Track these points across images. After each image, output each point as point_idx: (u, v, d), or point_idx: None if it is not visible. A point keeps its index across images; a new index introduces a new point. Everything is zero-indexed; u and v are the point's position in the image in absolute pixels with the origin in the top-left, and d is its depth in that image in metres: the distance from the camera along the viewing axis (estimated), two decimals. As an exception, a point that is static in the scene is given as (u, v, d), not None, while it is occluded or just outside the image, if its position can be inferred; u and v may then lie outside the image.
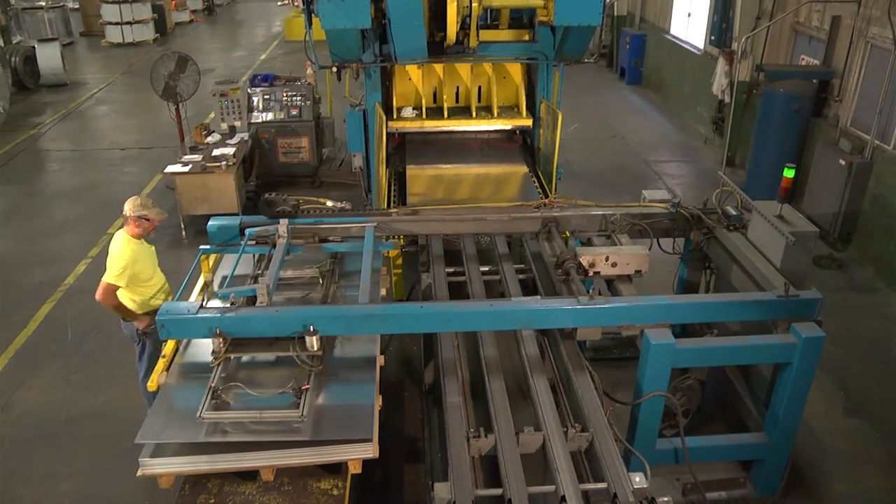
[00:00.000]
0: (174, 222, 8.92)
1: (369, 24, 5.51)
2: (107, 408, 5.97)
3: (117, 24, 20.97)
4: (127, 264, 4.93)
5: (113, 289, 4.99)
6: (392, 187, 6.82)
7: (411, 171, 6.76)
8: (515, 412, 4.04)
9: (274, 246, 4.86)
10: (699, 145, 12.37)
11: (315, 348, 3.98)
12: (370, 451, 3.74)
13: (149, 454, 3.69)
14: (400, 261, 6.07)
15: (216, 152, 9.00)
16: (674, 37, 14.64)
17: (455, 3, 5.57)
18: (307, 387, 3.90)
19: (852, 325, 7.06)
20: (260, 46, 21.33)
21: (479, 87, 7.32)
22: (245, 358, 4.27)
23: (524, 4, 6.28)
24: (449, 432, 3.87)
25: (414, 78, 7.24)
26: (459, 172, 6.85)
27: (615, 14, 17.07)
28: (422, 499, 4.92)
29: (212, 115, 10.75)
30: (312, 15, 5.72)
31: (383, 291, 5.05)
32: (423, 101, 7.23)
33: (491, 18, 7.13)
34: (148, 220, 4.99)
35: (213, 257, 5.24)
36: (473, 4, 5.66)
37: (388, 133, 6.89)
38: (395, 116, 7.07)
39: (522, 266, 5.53)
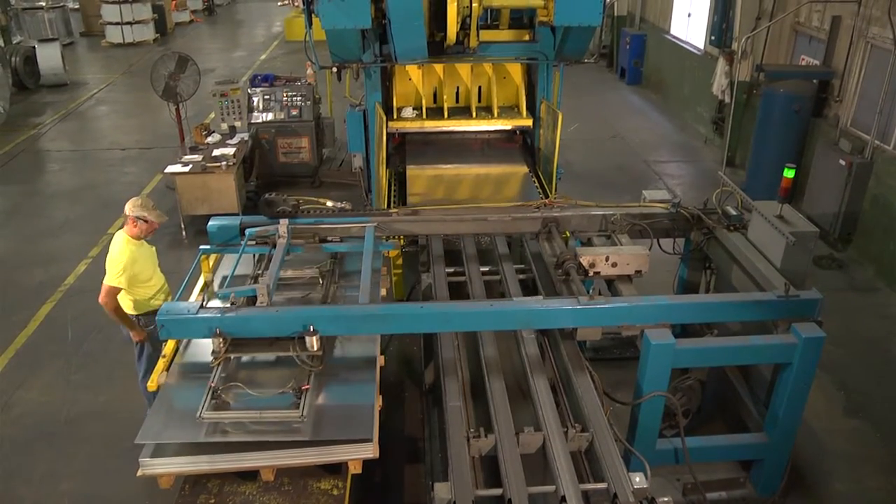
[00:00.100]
0: (174, 222, 8.93)
1: (369, 24, 5.51)
2: (107, 408, 5.98)
3: (117, 24, 20.98)
4: (125, 265, 4.93)
5: (114, 291, 4.99)
6: (392, 187, 6.82)
7: (411, 171, 6.76)
8: (515, 412, 4.04)
9: (274, 246, 4.86)
10: (699, 145, 12.37)
11: (315, 348, 3.98)
12: (370, 451, 3.74)
13: (149, 454, 3.69)
14: (400, 261, 6.07)
15: (216, 152, 9.00)
16: (674, 37, 14.64)
17: (455, 4, 5.57)
18: (307, 387, 3.90)
19: (852, 325, 7.06)
20: (260, 46, 21.33)
21: (480, 88, 7.33)
22: (245, 358, 4.27)
23: (524, 4, 6.28)
24: (449, 432, 3.87)
25: (414, 78, 7.24)
26: (459, 173, 6.85)
27: (615, 14, 17.07)
28: (422, 499, 4.92)
29: (212, 115, 10.76)
30: (312, 15, 5.72)
31: (383, 292, 5.05)
32: (424, 102, 7.24)
33: (491, 18, 7.14)
34: (146, 221, 4.99)
35: (213, 257, 5.24)
36: (473, 4, 5.66)
37: (388, 133, 6.89)
38: (395, 116, 7.07)
39: (522, 266, 5.53)
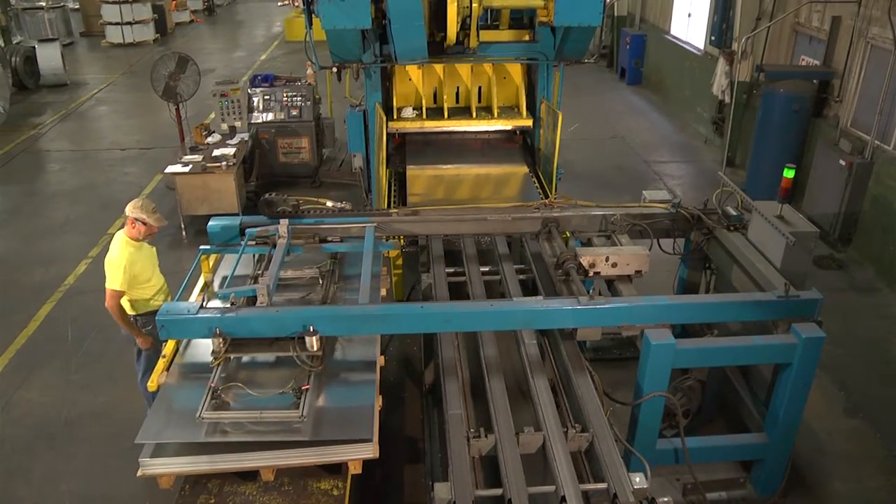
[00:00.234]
0: (174, 222, 8.93)
1: (369, 24, 5.51)
2: (107, 408, 5.98)
3: (117, 24, 20.98)
4: (125, 268, 4.94)
5: (117, 294, 5.00)
6: (392, 187, 6.82)
7: (411, 171, 6.77)
8: (515, 412, 4.04)
9: (274, 246, 4.86)
10: (699, 145, 12.37)
11: (315, 348, 3.98)
12: (370, 451, 3.74)
13: (149, 454, 3.69)
14: (400, 261, 6.07)
15: (216, 153, 9.00)
16: (674, 37, 14.64)
17: (455, 4, 5.57)
18: (307, 387, 3.90)
19: (852, 325, 7.06)
20: (260, 47, 21.33)
21: (480, 88, 7.33)
22: (245, 358, 4.27)
23: (524, 5, 6.28)
24: (449, 432, 3.87)
25: (414, 78, 7.24)
26: (460, 173, 6.85)
27: (615, 14, 17.08)
28: (422, 499, 4.92)
29: (212, 115, 10.77)
30: (313, 15, 5.73)
31: (383, 292, 5.05)
32: (424, 102, 7.24)
33: (491, 19, 7.14)
34: (145, 224, 4.98)
35: (213, 257, 5.24)
36: (474, 5, 5.66)
37: (388, 133, 6.90)
38: (395, 117, 7.08)
39: (522, 266, 5.53)
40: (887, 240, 7.85)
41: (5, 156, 12.11)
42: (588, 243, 5.23)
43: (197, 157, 8.88)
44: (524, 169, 6.87)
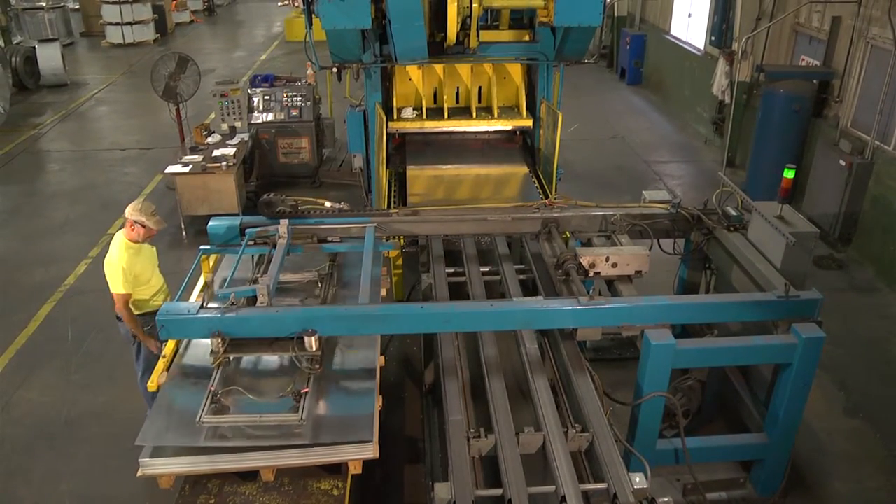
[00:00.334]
0: (174, 222, 8.93)
1: (369, 24, 5.52)
2: (107, 408, 5.98)
3: (118, 24, 20.97)
4: (124, 271, 4.94)
5: (124, 298, 5.01)
6: (392, 188, 6.82)
7: (411, 171, 6.77)
8: (515, 412, 4.04)
9: (274, 246, 4.86)
10: (699, 146, 12.37)
11: (314, 349, 3.98)
12: (370, 451, 3.74)
13: (149, 454, 3.69)
14: (400, 261, 6.07)
15: (216, 153, 9.00)
16: (674, 37, 14.65)
17: (455, 4, 5.57)
18: (306, 390, 3.90)
19: (852, 326, 7.07)
20: (260, 47, 21.33)
21: (480, 88, 7.33)
22: (245, 362, 4.27)
23: (524, 5, 6.28)
24: (449, 432, 3.87)
25: (414, 78, 7.24)
26: (460, 173, 6.85)
27: (615, 14, 17.07)
28: (422, 499, 4.92)
29: (212, 115, 10.77)
30: (313, 15, 5.72)
31: (383, 292, 5.05)
32: (424, 102, 7.24)
33: (491, 19, 7.14)
34: (144, 226, 4.98)
35: (213, 258, 5.25)
36: (474, 5, 5.66)
37: (388, 133, 6.90)
38: (395, 117, 7.08)
39: (523, 266, 5.53)
40: (887, 240, 7.85)
41: (5, 156, 12.11)
42: (588, 243, 5.22)
43: (197, 158, 8.88)
44: (524, 169, 6.87)
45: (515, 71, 7.25)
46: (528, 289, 5.27)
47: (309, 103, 10.17)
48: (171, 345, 4.35)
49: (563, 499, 3.43)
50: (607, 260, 4.77)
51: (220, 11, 28.86)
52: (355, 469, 3.77)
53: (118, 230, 5.20)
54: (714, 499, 4.90)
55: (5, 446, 5.59)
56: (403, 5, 5.36)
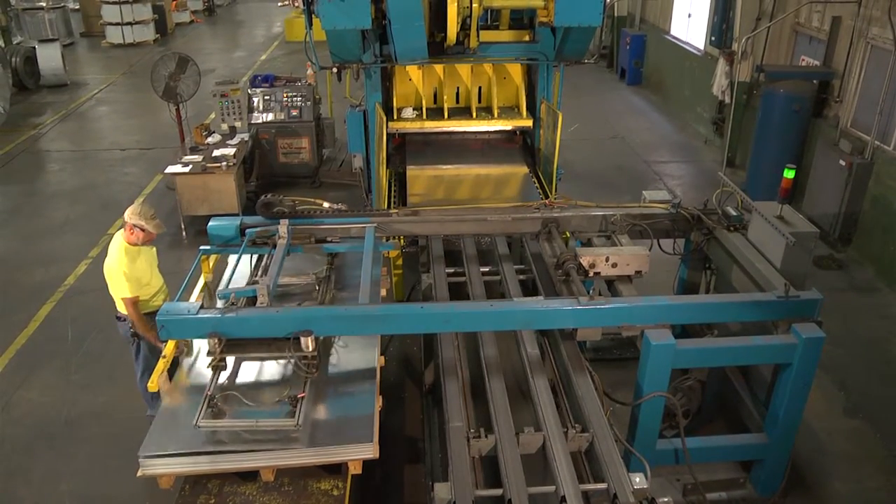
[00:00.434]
0: (174, 223, 8.93)
1: (369, 24, 5.52)
2: (107, 408, 5.97)
3: (118, 24, 20.97)
4: (125, 275, 4.95)
5: (131, 301, 5.02)
6: (392, 188, 6.82)
7: (411, 171, 6.77)
8: (515, 412, 4.05)
9: (274, 247, 4.86)
10: (699, 146, 12.37)
11: (310, 349, 3.97)
12: (370, 451, 3.75)
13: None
14: (400, 261, 6.07)
15: (216, 153, 9.00)
16: (674, 37, 14.64)
17: (455, 4, 5.57)
18: (303, 395, 3.91)
19: (852, 326, 7.06)
20: (260, 47, 21.33)
21: (480, 88, 7.33)
22: (243, 367, 4.28)
23: (524, 5, 6.28)
24: (449, 433, 3.87)
25: (414, 78, 7.24)
26: (460, 173, 6.85)
27: (615, 15, 17.07)
28: (422, 499, 4.92)
29: (212, 115, 10.76)
30: (313, 15, 5.72)
31: (383, 292, 5.06)
32: (424, 102, 7.24)
33: (491, 19, 7.14)
34: (143, 230, 4.97)
35: (213, 258, 5.25)
36: (474, 5, 5.66)
37: (388, 134, 6.89)
38: (395, 117, 7.08)
39: (523, 266, 5.53)
40: (887, 240, 7.85)
41: (5, 156, 12.11)
42: (588, 243, 5.23)
43: (197, 158, 8.88)
44: (524, 169, 6.87)
45: (515, 71, 7.25)
46: (528, 289, 5.27)
47: (309, 103, 10.17)
48: (170, 345, 4.35)
49: (563, 499, 3.43)
50: (607, 260, 4.77)
51: (220, 11, 28.86)
52: (355, 469, 3.78)
53: (118, 230, 5.19)
54: (714, 499, 4.90)
55: (5, 446, 5.59)
56: (403, 5, 5.36)
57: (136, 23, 21.10)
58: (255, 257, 5.10)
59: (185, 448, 3.71)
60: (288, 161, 10.33)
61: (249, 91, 10.18)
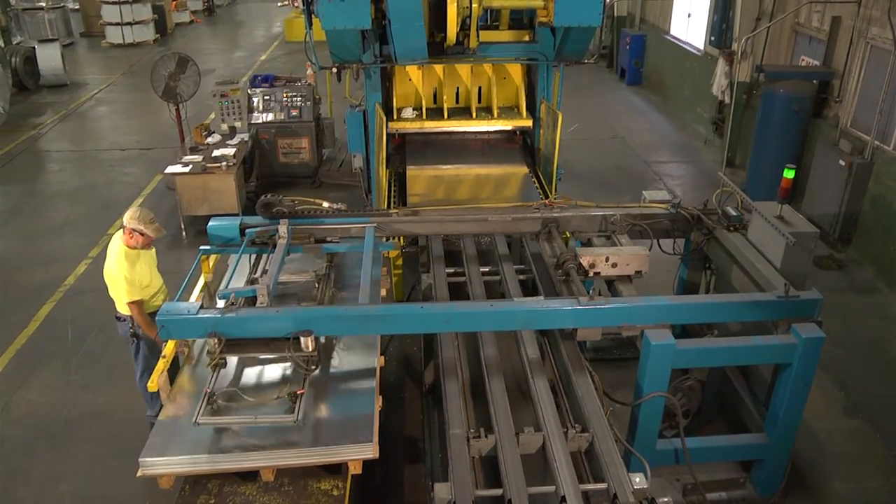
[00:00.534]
0: (174, 223, 8.94)
1: (369, 24, 5.52)
2: (107, 408, 5.97)
3: (117, 24, 20.97)
4: (127, 279, 4.95)
5: (137, 305, 5.03)
6: (392, 188, 6.82)
7: (411, 171, 6.77)
8: (515, 412, 4.04)
9: (274, 247, 4.86)
10: (699, 146, 12.37)
11: (310, 349, 3.98)
12: (370, 451, 3.75)
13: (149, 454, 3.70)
14: (400, 261, 6.07)
15: (216, 153, 9.00)
16: (674, 37, 14.65)
17: (455, 4, 5.57)
18: (302, 392, 3.91)
19: (852, 326, 7.06)
20: (260, 47, 21.33)
21: (480, 88, 7.33)
22: (243, 364, 4.28)
23: (524, 5, 6.28)
24: (449, 433, 3.87)
25: (414, 79, 7.24)
26: (460, 173, 6.85)
27: (615, 15, 17.07)
28: (422, 499, 4.92)
29: (212, 115, 10.76)
30: (312, 16, 5.73)
31: (383, 292, 5.06)
32: (424, 102, 7.24)
33: (491, 19, 7.14)
34: (143, 234, 4.97)
35: (213, 258, 5.25)
36: (473, 5, 5.66)
37: (388, 134, 6.90)
38: (395, 117, 7.08)
39: (522, 266, 5.53)
40: (887, 240, 7.85)
41: (5, 156, 12.11)
42: (588, 243, 5.23)
43: (197, 158, 8.88)
44: (524, 169, 6.87)
45: (515, 71, 7.25)
46: (528, 289, 5.27)
47: (309, 103, 10.17)
48: (171, 345, 4.35)
49: (563, 499, 3.43)
50: (607, 260, 4.77)
51: (220, 12, 28.86)
52: (355, 469, 3.78)
53: (117, 231, 5.19)
54: (714, 499, 4.90)
55: (5, 446, 5.59)
56: (403, 6, 5.36)
57: (136, 23, 21.11)
58: (254, 257, 5.11)
59: (186, 452, 3.71)
60: (288, 161, 10.33)
61: (249, 91, 10.18)
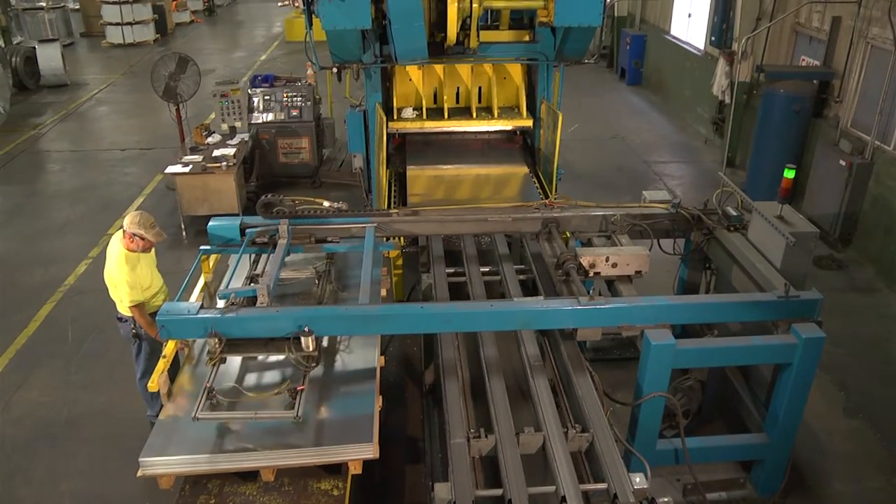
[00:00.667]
0: (174, 223, 8.94)
1: (369, 24, 5.52)
2: (107, 408, 5.97)
3: (118, 24, 20.97)
4: (129, 282, 4.95)
5: (139, 307, 5.03)
6: (392, 188, 6.82)
7: (412, 171, 6.77)
8: (516, 412, 4.04)
9: (274, 247, 4.86)
10: (699, 146, 12.37)
11: (310, 349, 3.98)
12: (370, 451, 3.75)
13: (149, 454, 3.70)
14: (400, 261, 6.07)
15: (216, 153, 9.00)
16: (674, 37, 14.64)
17: (455, 4, 5.57)
18: (302, 388, 3.91)
19: (852, 326, 7.06)
20: (260, 47, 21.33)
21: (480, 88, 7.33)
22: (243, 361, 4.28)
23: (524, 5, 6.28)
24: (449, 432, 3.87)
25: (414, 78, 7.24)
26: (460, 173, 6.85)
27: (615, 15, 17.07)
28: (422, 499, 4.92)
29: (212, 115, 10.76)
30: (313, 16, 5.72)
31: (383, 292, 5.06)
32: (424, 102, 7.24)
33: (491, 19, 7.14)
34: (143, 238, 4.96)
35: (213, 258, 5.25)
36: (474, 5, 5.66)
37: (388, 134, 6.89)
38: (395, 117, 7.07)
39: (523, 266, 5.53)
40: (887, 240, 7.85)
41: (6, 156, 12.11)
42: (588, 243, 5.23)
43: (197, 158, 8.88)
44: (524, 169, 6.87)
45: (515, 71, 7.25)
46: (528, 289, 5.27)
47: (309, 103, 10.17)
48: (171, 345, 4.35)
49: (563, 499, 3.43)
50: (607, 260, 4.77)
51: (220, 12, 28.86)
52: (355, 469, 3.78)
53: (117, 231, 5.19)
54: (714, 499, 4.90)
55: (5, 446, 5.59)
56: (403, 6, 5.36)
57: (136, 23, 21.11)
58: (254, 257, 5.11)
59: (186, 452, 3.71)
60: (288, 161, 10.33)
61: (249, 91, 10.18)
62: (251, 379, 4.22)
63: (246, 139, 9.65)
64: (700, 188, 10.26)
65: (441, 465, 4.32)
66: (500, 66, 7.18)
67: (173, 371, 4.33)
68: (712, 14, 11.84)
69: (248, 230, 4.97)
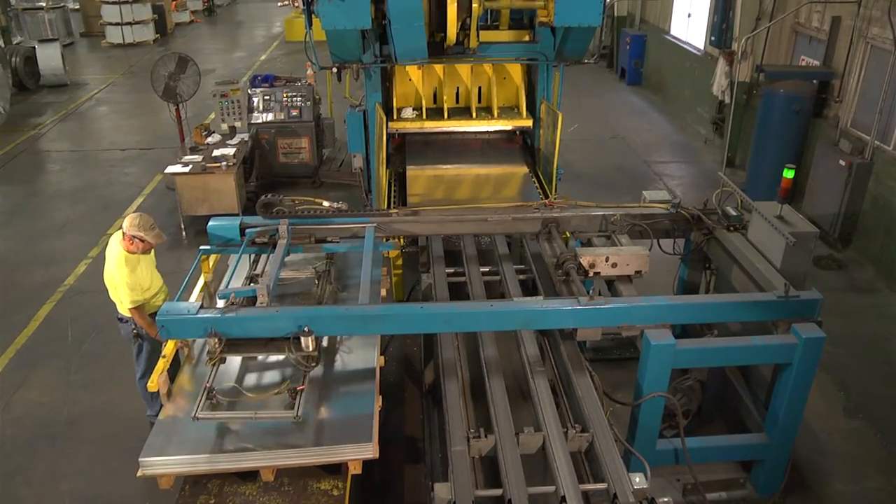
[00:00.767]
0: (174, 223, 8.94)
1: (369, 24, 5.51)
2: (107, 408, 5.97)
3: (117, 24, 20.98)
4: (129, 284, 4.95)
5: (138, 309, 5.03)
6: (392, 188, 6.82)
7: (411, 171, 6.77)
8: (515, 412, 4.05)
9: (274, 247, 4.86)
10: (699, 146, 12.37)
11: (310, 349, 3.98)
12: (370, 451, 3.75)
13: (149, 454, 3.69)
14: (400, 261, 6.07)
15: (216, 153, 9.00)
16: (674, 37, 14.65)
17: (455, 4, 5.57)
18: (302, 388, 3.91)
19: (852, 326, 7.06)
20: (260, 47, 21.33)
21: (480, 88, 7.32)
22: (242, 360, 4.28)
23: (524, 5, 6.28)
24: (449, 432, 3.87)
25: (414, 78, 7.24)
26: (460, 173, 6.85)
27: (615, 15, 17.07)
28: (422, 499, 4.92)
29: (212, 115, 10.76)
30: (313, 16, 5.72)
31: (383, 292, 5.06)
32: (424, 102, 7.23)
33: (491, 19, 7.14)
34: (143, 240, 4.96)
35: (213, 258, 5.25)
36: (474, 5, 5.66)
37: (388, 134, 6.89)
38: (395, 117, 7.07)
39: (522, 266, 5.53)
40: (887, 240, 7.85)
41: (5, 156, 12.11)
42: (588, 243, 5.23)
43: (197, 158, 8.88)
44: (524, 169, 6.87)
45: (515, 71, 7.25)
46: (528, 289, 5.27)
47: (309, 103, 10.17)
48: (171, 345, 4.35)
49: (563, 499, 3.43)
50: (607, 260, 4.77)
51: (220, 11, 28.86)
52: (355, 469, 3.78)
53: (116, 231, 5.19)
54: (714, 499, 4.90)
55: (5, 446, 5.59)
56: (403, 6, 5.36)
57: (136, 23, 21.11)
58: (254, 257, 5.11)
59: (186, 452, 3.71)
60: (288, 161, 10.33)
61: (249, 91, 10.18)
62: (251, 379, 4.22)
63: (246, 139, 9.65)
64: (700, 188, 10.26)
65: (441, 465, 4.32)
66: (500, 66, 7.18)
67: (173, 371, 4.32)
68: (712, 14, 11.84)
69: (247, 230, 4.97)
